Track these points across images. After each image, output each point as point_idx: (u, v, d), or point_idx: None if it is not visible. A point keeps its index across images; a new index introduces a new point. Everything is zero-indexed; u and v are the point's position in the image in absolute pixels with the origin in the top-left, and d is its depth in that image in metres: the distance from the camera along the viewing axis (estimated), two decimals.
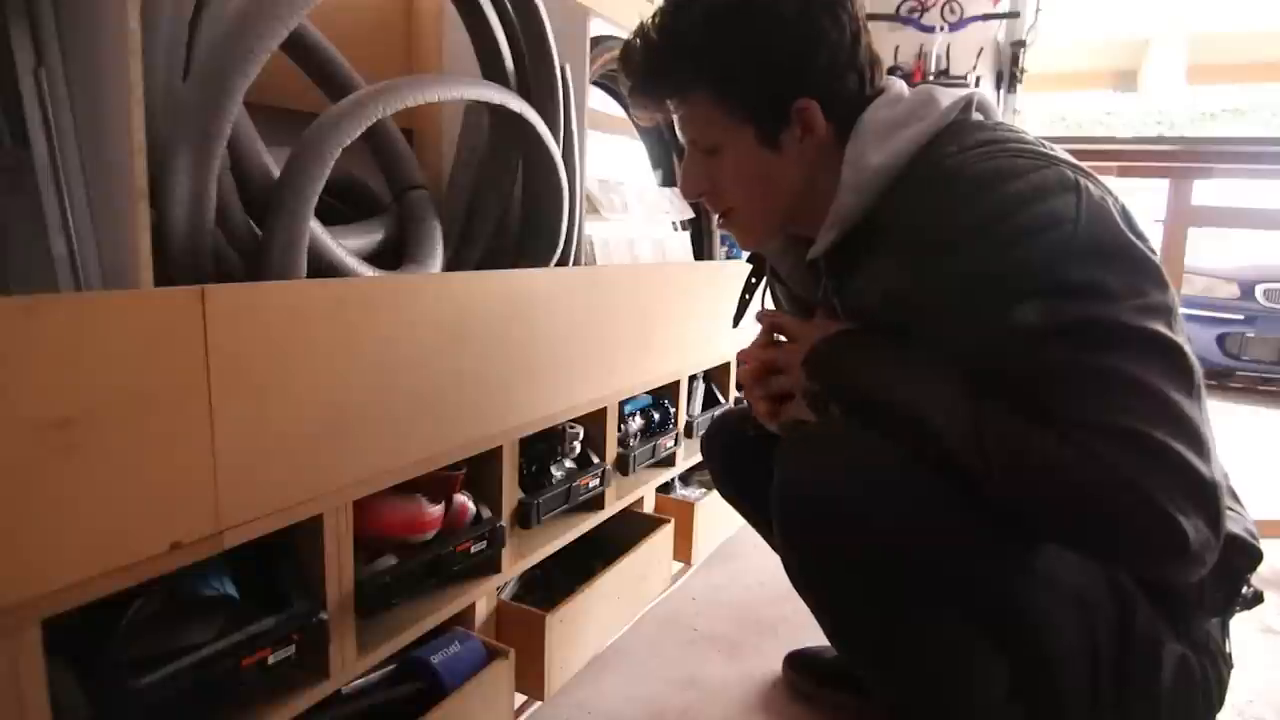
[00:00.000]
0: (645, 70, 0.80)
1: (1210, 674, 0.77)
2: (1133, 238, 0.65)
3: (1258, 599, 0.80)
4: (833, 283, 0.83)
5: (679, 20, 0.77)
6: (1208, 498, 0.60)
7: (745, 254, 1.08)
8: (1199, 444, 0.60)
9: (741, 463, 1.08)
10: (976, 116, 0.77)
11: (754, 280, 0.99)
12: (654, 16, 0.79)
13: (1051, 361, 0.63)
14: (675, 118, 0.83)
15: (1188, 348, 0.63)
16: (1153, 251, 0.67)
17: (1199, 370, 0.64)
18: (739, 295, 0.99)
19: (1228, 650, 0.81)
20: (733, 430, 1.09)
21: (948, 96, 0.76)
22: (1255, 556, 0.77)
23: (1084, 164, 0.71)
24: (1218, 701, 0.79)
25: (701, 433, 1.17)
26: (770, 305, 1.01)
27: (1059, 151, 0.71)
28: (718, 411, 1.26)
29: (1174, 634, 0.75)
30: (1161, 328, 0.62)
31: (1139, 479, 0.58)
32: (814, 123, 0.77)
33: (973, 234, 0.66)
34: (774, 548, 1.13)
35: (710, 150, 0.80)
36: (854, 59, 0.77)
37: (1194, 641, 0.77)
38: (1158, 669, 0.74)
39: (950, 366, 0.68)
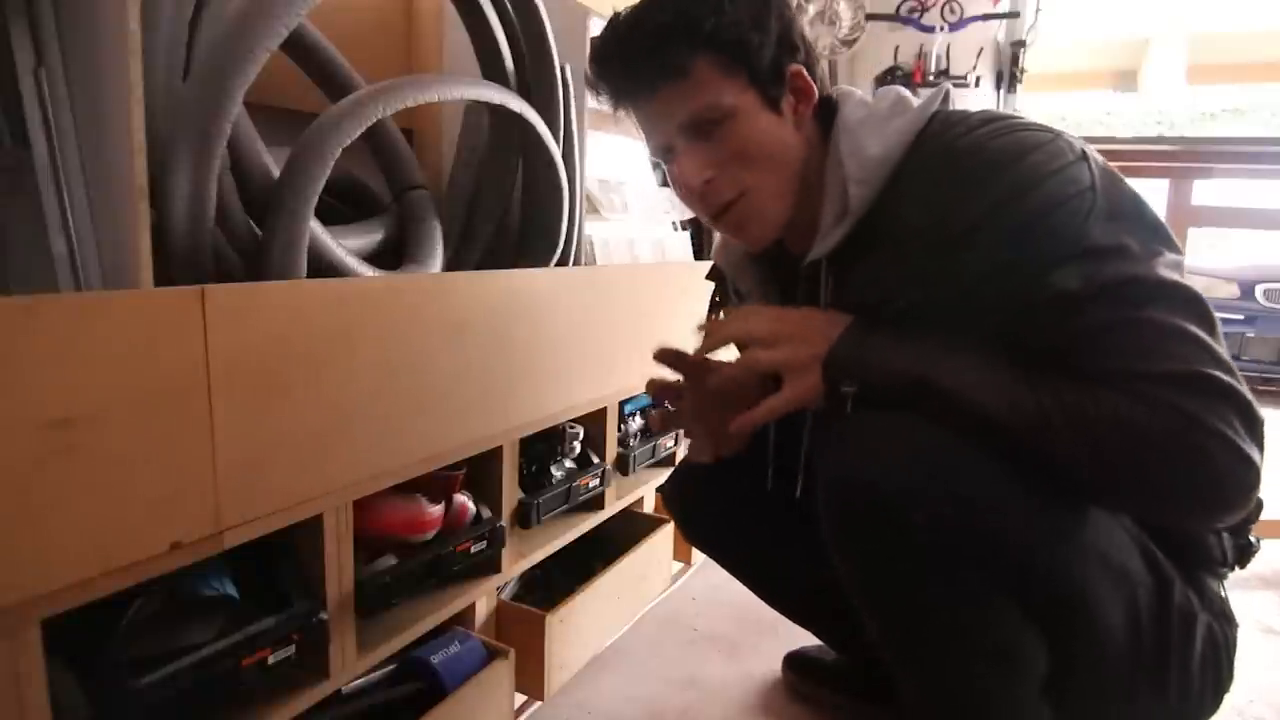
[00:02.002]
0: (642, 50, 0.74)
1: (1229, 638, 0.78)
2: (1139, 197, 0.69)
3: (1258, 544, 0.81)
4: (835, 285, 0.79)
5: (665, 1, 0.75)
6: (1262, 432, 0.62)
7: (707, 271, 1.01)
8: (1240, 380, 0.63)
9: (706, 513, 1.07)
10: (952, 107, 0.77)
11: (718, 300, 0.96)
12: (636, 8, 0.76)
13: (1097, 322, 0.64)
14: (660, 108, 0.76)
15: (1204, 296, 0.66)
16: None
17: (1216, 317, 0.66)
18: (705, 316, 0.95)
19: (1230, 607, 0.81)
20: (695, 481, 1.06)
21: (918, 94, 0.78)
22: (1260, 504, 0.76)
23: None
24: (1233, 661, 0.79)
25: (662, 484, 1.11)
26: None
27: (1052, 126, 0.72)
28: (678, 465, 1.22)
29: (1201, 603, 0.76)
30: (1182, 279, 0.65)
31: (1216, 420, 0.60)
32: (807, 88, 0.77)
33: (999, 213, 0.66)
34: (748, 585, 1.12)
35: (716, 122, 0.74)
36: (808, 43, 0.79)
37: (1213, 609, 0.77)
38: (1193, 641, 0.74)
39: (986, 343, 0.68)
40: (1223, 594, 0.80)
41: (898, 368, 0.69)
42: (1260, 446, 0.62)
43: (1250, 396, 0.62)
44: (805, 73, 0.77)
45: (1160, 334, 0.63)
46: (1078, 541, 0.70)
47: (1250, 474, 0.61)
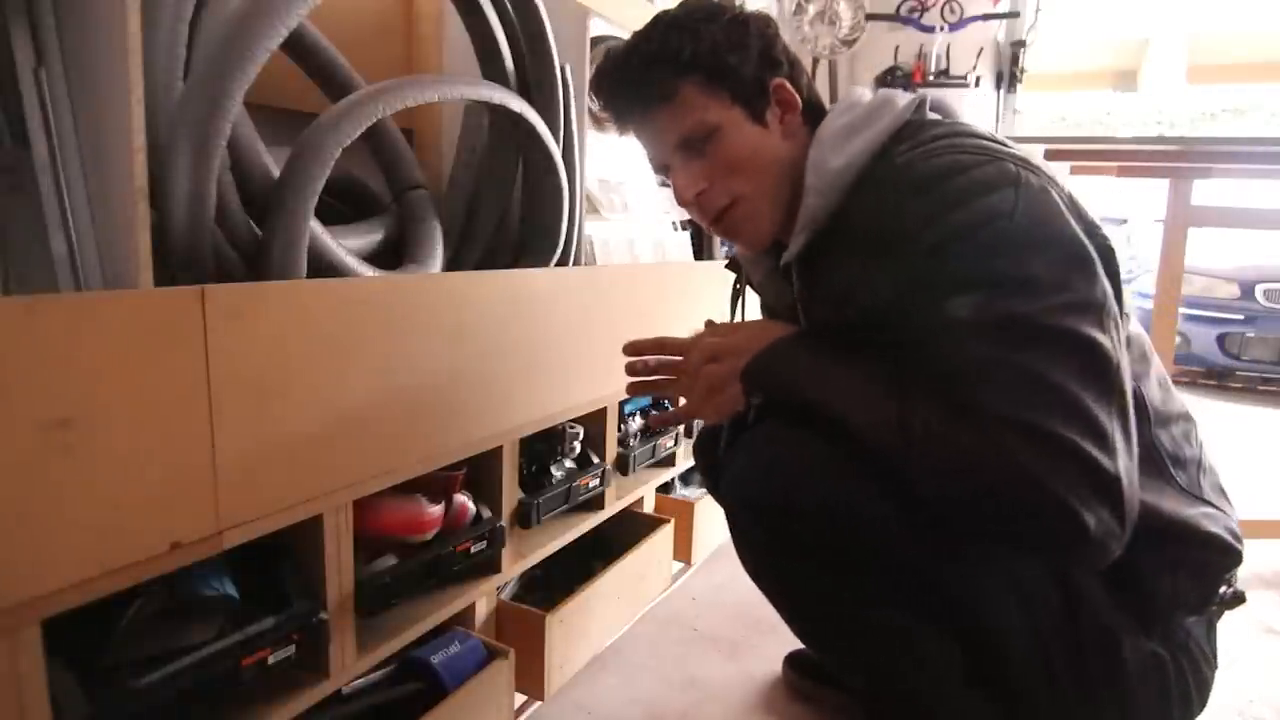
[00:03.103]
0: (632, 79, 0.82)
1: (1189, 674, 0.78)
2: (1074, 228, 0.67)
3: (1238, 599, 0.81)
4: (802, 287, 0.84)
5: (656, 29, 0.81)
6: (1111, 490, 0.62)
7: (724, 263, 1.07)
8: (1104, 440, 0.62)
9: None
10: (932, 115, 0.79)
11: (739, 286, 1.01)
12: (627, 42, 0.83)
13: (974, 356, 0.65)
14: (655, 130, 0.83)
15: (1107, 343, 0.65)
16: (1103, 238, 0.69)
17: (1115, 365, 0.65)
18: (730, 305, 1.02)
19: (1212, 650, 0.81)
20: (717, 439, 1.08)
21: (903, 98, 0.79)
22: (1234, 556, 0.78)
23: (1081, 163, 0.72)
24: (1198, 702, 0.80)
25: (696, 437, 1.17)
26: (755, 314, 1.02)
27: (1009, 145, 0.72)
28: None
29: (1141, 630, 0.77)
30: (1082, 325, 0.64)
31: (1040, 472, 0.61)
32: (790, 99, 0.82)
33: (916, 232, 0.68)
34: None
35: (704, 139, 0.80)
36: (791, 56, 0.84)
37: (1170, 640, 0.78)
38: (1119, 662, 0.75)
39: (882, 364, 0.71)
40: (1197, 632, 0.80)
41: (788, 385, 0.76)
42: (1109, 503, 0.62)
43: (1103, 460, 0.62)
44: (788, 85, 0.81)
45: (1029, 382, 0.63)
46: (961, 552, 0.73)
47: (1074, 527, 0.61)
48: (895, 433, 0.67)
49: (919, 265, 0.68)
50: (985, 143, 0.72)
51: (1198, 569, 0.78)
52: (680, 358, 0.88)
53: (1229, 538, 0.78)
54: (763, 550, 0.80)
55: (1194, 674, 0.79)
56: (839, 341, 0.75)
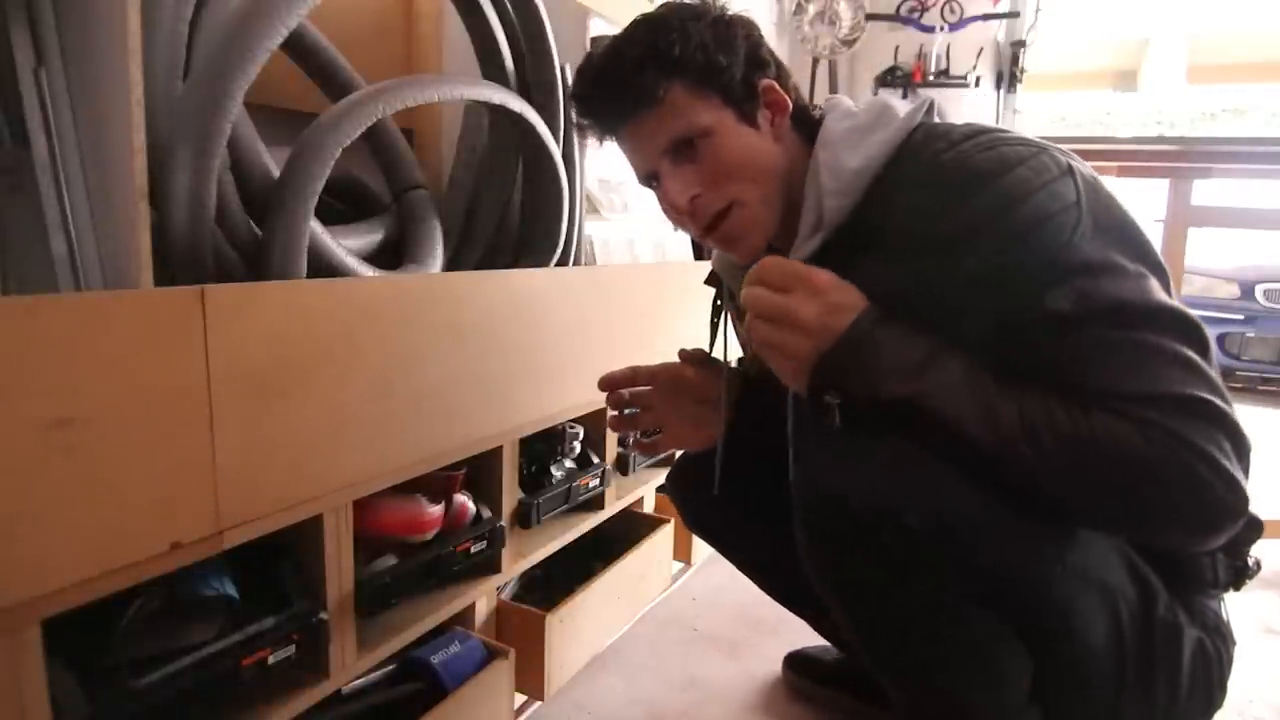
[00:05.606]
0: (615, 87, 0.77)
1: (1223, 654, 0.78)
2: (1130, 213, 0.68)
3: (1258, 567, 0.81)
4: None
5: (638, 30, 0.78)
6: (1249, 458, 0.63)
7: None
8: (1232, 405, 0.63)
9: (708, 504, 1.04)
10: (937, 119, 0.78)
11: (719, 303, 0.97)
12: (606, 47, 0.79)
13: (1089, 343, 0.64)
14: (642, 136, 0.78)
15: (1193, 314, 0.66)
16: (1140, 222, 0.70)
17: (1209, 338, 0.66)
18: (710, 323, 0.96)
19: (1231, 626, 0.81)
20: (695, 469, 1.05)
21: (903, 103, 0.78)
22: (1257, 527, 0.78)
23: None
24: (1227, 678, 0.79)
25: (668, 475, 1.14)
26: (733, 332, 0.98)
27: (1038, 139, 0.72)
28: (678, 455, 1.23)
29: (1190, 618, 0.76)
30: (1172, 301, 0.65)
31: (1207, 443, 0.60)
32: (780, 101, 0.79)
33: (984, 227, 0.66)
34: (749, 576, 1.12)
35: (695, 142, 0.76)
36: (777, 59, 0.81)
37: (1205, 624, 0.77)
38: (1179, 654, 0.74)
39: (975, 356, 0.67)
40: (1220, 611, 0.80)
41: (883, 387, 0.68)
42: (1247, 472, 0.62)
43: (1240, 421, 0.62)
44: (777, 86, 0.79)
45: (1153, 356, 0.63)
46: (1056, 557, 0.70)
47: (1238, 499, 0.61)
48: (1017, 433, 0.64)
49: (994, 261, 0.66)
50: (1023, 135, 0.71)
51: (1230, 545, 0.76)
52: (650, 388, 0.86)
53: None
54: (845, 555, 0.72)
55: (1226, 654, 0.78)
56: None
